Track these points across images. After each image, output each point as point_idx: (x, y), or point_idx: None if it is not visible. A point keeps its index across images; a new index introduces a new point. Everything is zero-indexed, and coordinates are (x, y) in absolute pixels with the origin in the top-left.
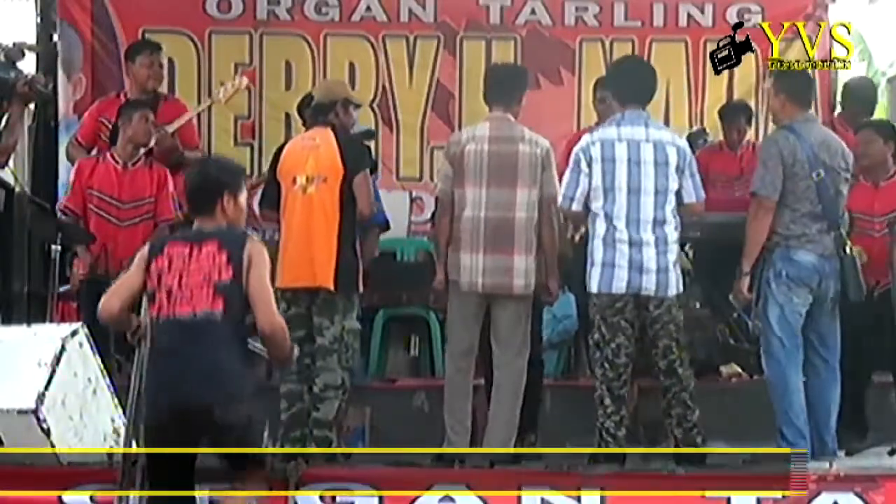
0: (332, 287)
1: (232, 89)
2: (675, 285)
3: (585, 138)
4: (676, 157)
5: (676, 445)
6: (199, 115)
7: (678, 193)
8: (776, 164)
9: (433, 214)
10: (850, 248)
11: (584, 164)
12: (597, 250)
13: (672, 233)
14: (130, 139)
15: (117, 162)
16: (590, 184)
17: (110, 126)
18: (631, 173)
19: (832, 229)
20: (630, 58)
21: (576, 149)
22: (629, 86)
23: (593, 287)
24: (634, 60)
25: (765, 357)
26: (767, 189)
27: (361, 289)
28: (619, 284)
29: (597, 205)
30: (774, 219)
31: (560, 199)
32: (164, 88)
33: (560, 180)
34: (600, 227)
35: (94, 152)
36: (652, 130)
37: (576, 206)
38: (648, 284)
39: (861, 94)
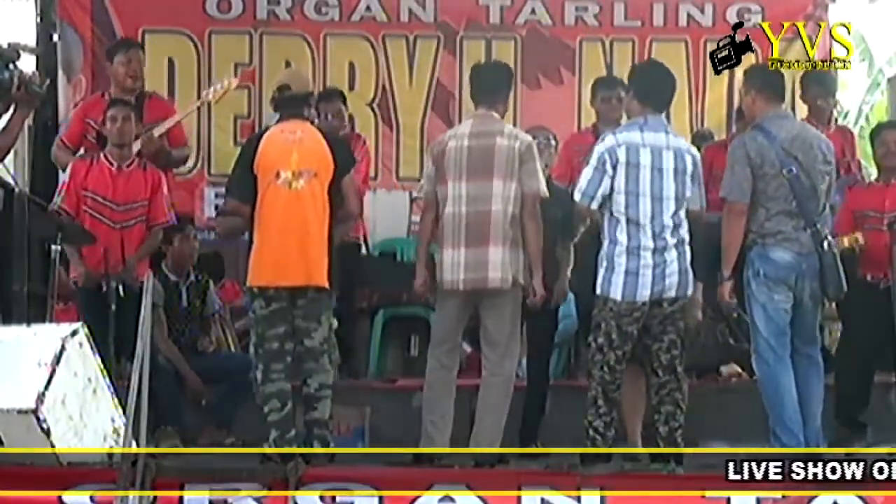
0: (326, 285)
1: (222, 90)
2: (692, 285)
3: (610, 139)
4: (692, 165)
5: (656, 443)
6: (198, 113)
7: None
8: (743, 167)
9: None
10: (830, 244)
11: (608, 166)
12: (619, 258)
13: (685, 235)
14: (111, 141)
15: (111, 163)
16: (612, 186)
17: (97, 127)
18: (654, 180)
19: (809, 226)
20: (655, 63)
21: (599, 148)
22: (654, 90)
23: (616, 294)
24: (660, 65)
25: (754, 357)
26: (735, 193)
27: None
28: (644, 292)
29: (618, 209)
30: (750, 218)
31: (578, 195)
32: (164, 88)
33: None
34: (622, 234)
35: (81, 153)
36: (671, 138)
37: (594, 205)
38: (670, 287)
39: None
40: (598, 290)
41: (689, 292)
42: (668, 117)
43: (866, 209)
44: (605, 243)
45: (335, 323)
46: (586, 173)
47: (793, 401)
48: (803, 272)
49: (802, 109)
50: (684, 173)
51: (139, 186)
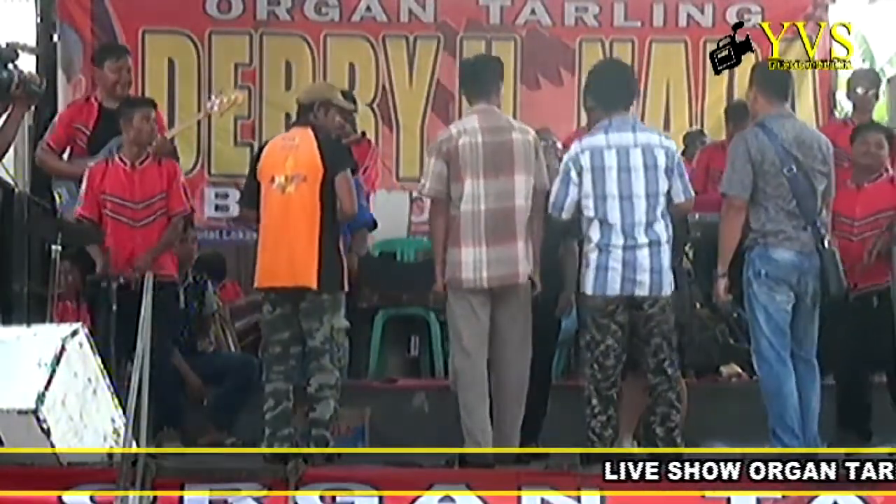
0: (315, 286)
1: (228, 104)
2: (669, 285)
3: (575, 147)
4: (665, 158)
5: (654, 444)
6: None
7: (668, 194)
8: (744, 163)
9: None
10: (829, 243)
11: (573, 174)
12: (591, 254)
13: (664, 233)
14: (133, 140)
15: (125, 163)
16: (580, 193)
17: (88, 132)
18: (621, 180)
19: (809, 225)
20: (605, 63)
21: (565, 158)
22: (610, 92)
23: (588, 289)
24: (610, 65)
25: (756, 358)
26: (735, 188)
27: (347, 287)
28: (614, 287)
29: (588, 213)
30: (750, 217)
31: (550, 207)
32: (164, 89)
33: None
34: (594, 232)
35: (66, 155)
36: (640, 134)
37: (565, 215)
38: (642, 286)
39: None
40: (578, 287)
41: (666, 292)
42: (667, 117)
43: (835, 213)
44: (584, 243)
45: (346, 324)
46: (555, 185)
47: (794, 400)
48: (805, 271)
49: (803, 108)
50: (656, 169)
51: (155, 181)
